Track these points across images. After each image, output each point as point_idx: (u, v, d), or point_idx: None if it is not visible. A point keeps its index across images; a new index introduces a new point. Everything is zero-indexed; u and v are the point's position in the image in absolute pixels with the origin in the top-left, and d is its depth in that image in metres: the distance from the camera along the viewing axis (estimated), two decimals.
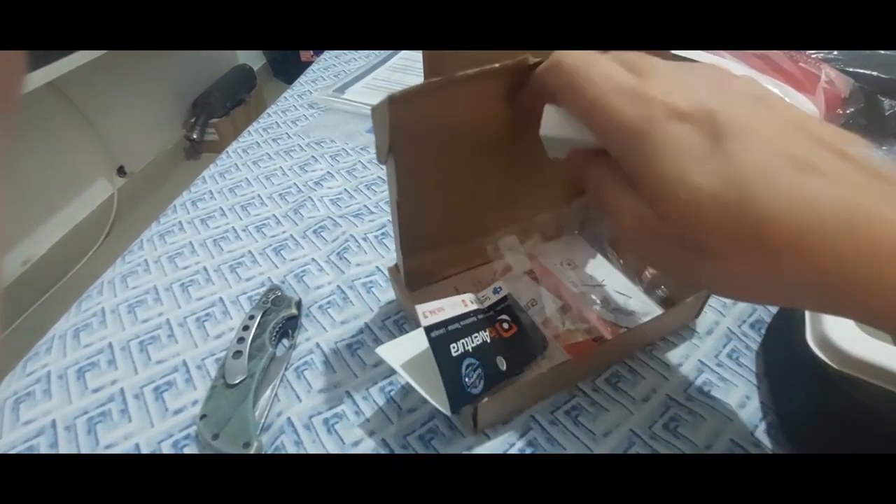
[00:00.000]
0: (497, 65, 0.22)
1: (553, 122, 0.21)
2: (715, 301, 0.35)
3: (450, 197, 0.30)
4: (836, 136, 0.17)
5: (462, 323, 0.27)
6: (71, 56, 1.32)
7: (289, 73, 2.45)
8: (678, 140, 0.17)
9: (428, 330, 0.26)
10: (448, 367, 0.26)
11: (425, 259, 0.33)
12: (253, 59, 2.48)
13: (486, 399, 0.26)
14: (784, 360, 0.29)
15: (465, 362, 0.26)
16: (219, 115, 2.10)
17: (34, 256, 1.51)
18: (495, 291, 0.30)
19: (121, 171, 1.81)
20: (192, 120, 2.05)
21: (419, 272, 0.34)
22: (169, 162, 2.04)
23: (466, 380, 0.26)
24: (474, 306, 0.29)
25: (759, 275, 0.17)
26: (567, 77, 0.20)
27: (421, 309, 0.26)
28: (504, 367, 0.28)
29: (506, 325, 0.29)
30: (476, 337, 0.27)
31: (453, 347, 0.26)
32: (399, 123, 0.23)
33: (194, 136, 2.02)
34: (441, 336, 0.26)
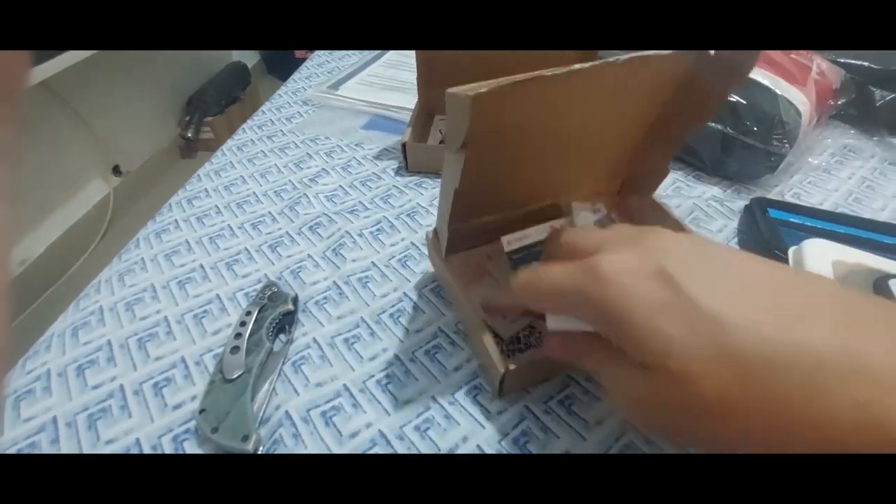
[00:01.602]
0: (584, 65, 0.23)
1: (560, 320, 0.24)
2: None
3: (503, 177, 0.31)
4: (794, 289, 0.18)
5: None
6: (64, 55, 1.31)
7: (283, 70, 2.43)
8: (644, 295, 0.18)
9: (510, 254, 0.28)
10: None
11: (469, 225, 0.34)
12: (247, 56, 2.47)
13: (512, 367, 0.28)
14: None
15: None
16: (213, 113, 2.09)
17: (32, 256, 1.51)
18: (596, 211, 0.32)
19: (116, 170, 1.80)
20: (187, 118, 2.04)
21: (460, 237, 0.34)
22: (164, 160, 2.03)
23: None
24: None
25: (769, 427, 0.16)
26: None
27: (505, 238, 0.29)
28: None
29: None
30: None
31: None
32: (478, 120, 0.23)
33: (189, 135, 2.02)
34: (522, 259, 0.29)
